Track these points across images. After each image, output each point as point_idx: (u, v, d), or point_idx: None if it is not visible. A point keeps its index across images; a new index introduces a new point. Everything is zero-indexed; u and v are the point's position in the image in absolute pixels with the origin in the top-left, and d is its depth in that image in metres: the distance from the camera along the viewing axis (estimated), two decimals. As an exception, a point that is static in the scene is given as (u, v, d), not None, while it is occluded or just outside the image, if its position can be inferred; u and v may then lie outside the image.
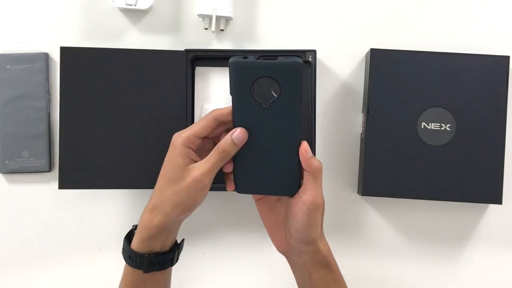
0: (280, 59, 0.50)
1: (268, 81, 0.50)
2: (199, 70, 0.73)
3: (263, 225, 0.60)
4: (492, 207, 0.75)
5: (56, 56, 0.75)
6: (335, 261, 0.59)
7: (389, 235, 0.75)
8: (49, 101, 0.74)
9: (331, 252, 0.59)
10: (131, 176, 0.70)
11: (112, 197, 0.75)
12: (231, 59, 0.51)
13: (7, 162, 0.73)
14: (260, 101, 0.52)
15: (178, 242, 0.61)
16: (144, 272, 0.57)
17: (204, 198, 0.56)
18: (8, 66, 0.73)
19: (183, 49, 0.71)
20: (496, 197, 0.69)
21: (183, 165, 0.55)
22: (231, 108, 0.55)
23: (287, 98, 0.51)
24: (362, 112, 0.74)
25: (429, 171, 0.69)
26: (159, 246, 0.57)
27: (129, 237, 0.60)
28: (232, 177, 0.57)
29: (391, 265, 0.75)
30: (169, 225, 0.56)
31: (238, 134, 0.54)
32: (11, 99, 0.73)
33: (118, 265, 0.76)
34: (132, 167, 0.70)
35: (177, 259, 0.61)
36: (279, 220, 0.59)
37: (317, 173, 0.55)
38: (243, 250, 0.76)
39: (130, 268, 0.58)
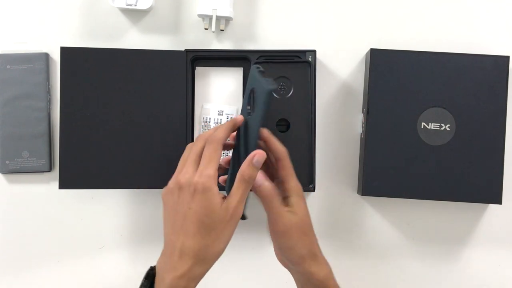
0: (266, 80, 0.55)
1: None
2: (199, 70, 0.73)
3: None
4: (492, 207, 0.74)
5: (56, 56, 0.75)
6: (336, 285, 0.56)
7: (389, 235, 0.75)
8: (49, 101, 0.74)
9: (331, 276, 0.56)
10: (131, 176, 0.70)
11: (112, 197, 0.75)
12: (256, 67, 0.57)
13: (7, 162, 0.73)
14: (249, 110, 0.57)
15: None
16: None
17: None
18: (8, 66, 0.73)
19: (183, 49, 0.71)
20: (496, 197, 0.69)
21: (220, 204, 0.52)
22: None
23: (256, 112, 0.56)
24: (362, 112, 0.74)
25: (429, 171, 0.69)
26: None
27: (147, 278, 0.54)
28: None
29: (391, 265, 0.75)
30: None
31: (258, 158, 0.53)
32: (11, 99, 0.73)
33: (118, 265, 0.76)
34: (132, 167, 0.70)
35: None
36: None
37: (285, 158, 0.56)
38: (243, 249, 0.75)
39: None
